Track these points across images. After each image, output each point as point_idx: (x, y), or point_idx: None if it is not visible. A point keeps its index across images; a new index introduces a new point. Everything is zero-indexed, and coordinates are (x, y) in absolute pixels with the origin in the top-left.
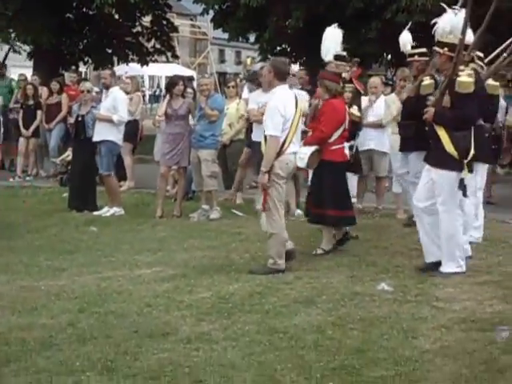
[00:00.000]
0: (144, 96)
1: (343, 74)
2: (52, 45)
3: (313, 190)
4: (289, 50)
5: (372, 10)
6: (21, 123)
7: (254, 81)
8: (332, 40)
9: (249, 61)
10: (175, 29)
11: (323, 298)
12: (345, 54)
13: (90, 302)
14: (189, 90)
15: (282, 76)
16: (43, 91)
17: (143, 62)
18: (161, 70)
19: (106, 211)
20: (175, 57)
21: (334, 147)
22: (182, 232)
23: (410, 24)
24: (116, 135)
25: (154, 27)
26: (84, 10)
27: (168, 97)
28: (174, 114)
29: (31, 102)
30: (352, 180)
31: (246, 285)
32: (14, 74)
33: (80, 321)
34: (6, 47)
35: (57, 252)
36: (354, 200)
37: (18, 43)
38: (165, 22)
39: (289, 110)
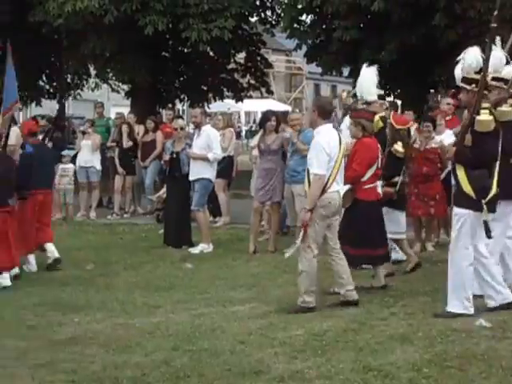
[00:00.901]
0: (240, 132)
1: (383, 113)
2: (148, 83)
3: (342, 228)
4: (383, 82)
5: (466, 41)
6: (117, 161)
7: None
8: (371, 79)
9: (344, 94)
10: (269, 64)
11: (419, 335)
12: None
13: (184, 339)
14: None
15: (326, 115)
16: (139, 129)
17: (238, 98)
18: (257, 105)
19: (196, 248)
20: (270, 92)
21: (366, 186)
22: (276, 268)
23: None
24: (211, 172)
25: (248, 63)
26: (179, 48)
27: (261, 132)
28: (266, 149)
29: (128, 141)
30: (400, 216)
31: (340, 321)
32: (113, 113)
33: (174, 359)
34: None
35: (152, 289)
36: (402, 236)
37: (116, 82)
38: (259, 58)
39: (333, 149)
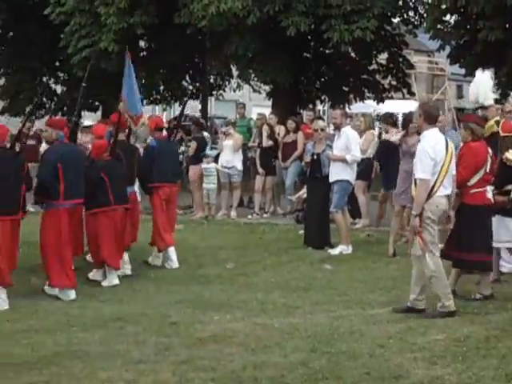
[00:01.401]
0: (381, 133)
1: (498, 117)
2: (290, 84)
3: (452, 233)
4: None
5: None
6: (258, 162)
7: None
8: (487, 84)
9: None
10: (411, 65)
11: None
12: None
13: (322, 341)
14: None
15: (431, 120)
16: (280, 130)
17: (379, 100)
18: (398, 106)
19: (335, 249)
20: (411, 93)
21: (473, 190)
22: None
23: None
24: (350, 174)
25: (390, 64)
26: (321, 49)
27: (403, 133)
28: (408, 150)
29: (268, 142)
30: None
31: (482, 327)
32: (254, 113)
33: (312, 360)
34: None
35: (291, 289)
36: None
37: (257, 83)
38: (401, 59)
39: (439, 153)
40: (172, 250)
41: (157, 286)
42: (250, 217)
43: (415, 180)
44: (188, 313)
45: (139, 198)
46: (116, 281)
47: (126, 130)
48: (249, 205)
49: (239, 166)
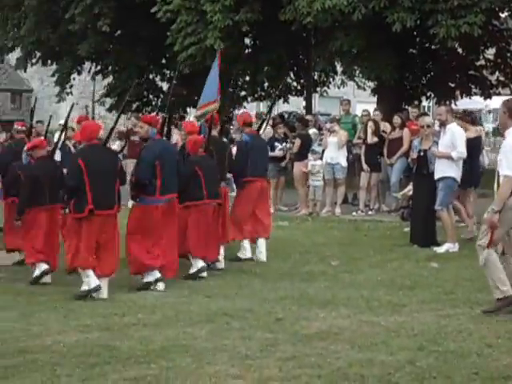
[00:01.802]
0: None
1: None
2: (395, 80)
3: None
4: None
5: None
6: (363, 158)
7: None
8: None
9: None
10: None
11: None
12: None
13: (430, 339)
14: None
15: None
16: (385, 126)
17: (486, 96)
18: None
19: (441, 247)
20: None
21: None
22: None
23: None
24: (455, 171)
25: (497, 60)
26: (427, 44)
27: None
28: None
29: (373, 138)
30: None
31: None
32: (358, 110)
33: (419, 359)
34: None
35: (396, 287)
36: None
37: (362, 79)
38: (509, 54)
39: None
40: (246, 241)
41: (262, 282)
42: (354, 214)
43: (499, 177)
44: (293, 309)
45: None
46: (201, 263)
47: (218, 126)
48: (353, 202)
49: (344, 163)
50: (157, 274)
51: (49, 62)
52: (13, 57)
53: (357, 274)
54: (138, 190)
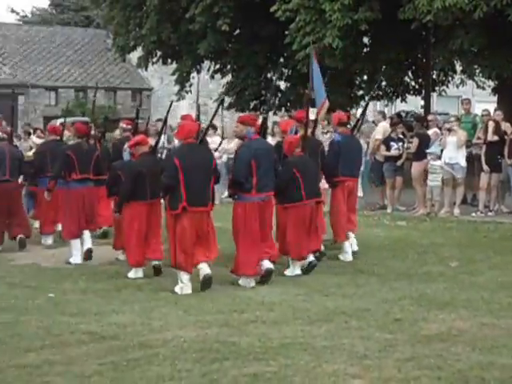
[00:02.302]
0: None
1: None
2: None
3: None
4: None
5: None
6: (483, 158)
7: None
8: None
9: None
10: None
11: None
12: None
13: None
14: None
15: None
16: (506, 126)
17: None
18: None
19: None
20: None
21: None
22: None
23: None
24: None
25: None
26: None
27: None
28: None
29: (493, 137)
30: None
31: None
32: (477, 109)
33: None
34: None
35: None
36: None
37: (481, 79)
38: None
39: None
40: (348, 244)
41: (380, 282)
42: (473, 214)
43: None
44: (412, 310)
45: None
46: (298, 271)
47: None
48: (472, 202)
49: (463, 163)
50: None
51: (169, 60)
52: (134, 56)
53: (477, 276)
54: (235, 187)
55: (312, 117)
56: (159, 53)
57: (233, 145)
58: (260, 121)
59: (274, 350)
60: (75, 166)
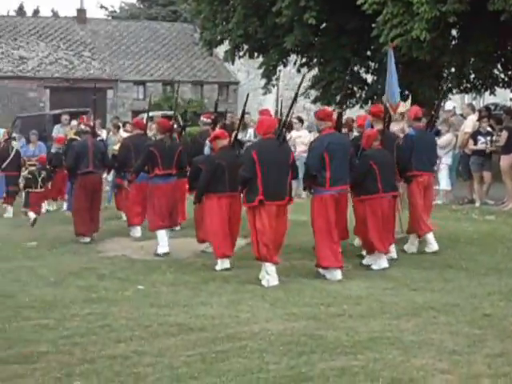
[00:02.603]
0: None
1: None
2: None
3: None
4: None
5: None
6: None
7: None
8: None
9: None
10: None
11: None
12: None
13: None
14: None
15: None
16: None
17: None
18: None
19: None
20: None
21: None
22: None
23: None
24: None
25: None
26: None
27: None
28: None
29: None
30: None
31: None
32: None
33: None
34: None
35: None
36: None
37: None
38: None
39: None
40: (431, 235)
41: (468, 277)
42: None
43: None
44: (501, 305)
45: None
46: (385, 264)
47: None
48: None
49: None
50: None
51: (255, 54)
52: (221, 50)
53: None
54: (308, 180)
55: (402, 110)
56: (246, 46)
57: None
58: (335, 115)
59: (362, 344)
60: (158, 161)
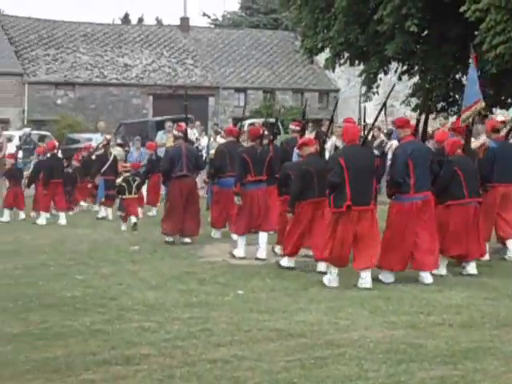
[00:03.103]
0: None
1: None
2: None
3: None
4: None
5: None
6: None
7: None
8: None
9: None
10: None
11: None
12: None
13: None
14: None
15: None
16: None
17: None
18: None
19: None
20: None
21: None
22: None
23: None
24: None
25: None
26: None
27: None
28: None
29: None
30: None
31: None
32: None
33: None
34: None
35: None
36: None
37: None
38: None
39: None
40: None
41: None
42: None
43: None
44: None
45: None
46: (444, 271)
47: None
48: None
49: None
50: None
51: (356, 62)
52: (321, 57)
53: None
54: (394, 188)
55: (502, 118)
56: (347, 54)
57: None
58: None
59: (462, 354)
60: (250, 168)
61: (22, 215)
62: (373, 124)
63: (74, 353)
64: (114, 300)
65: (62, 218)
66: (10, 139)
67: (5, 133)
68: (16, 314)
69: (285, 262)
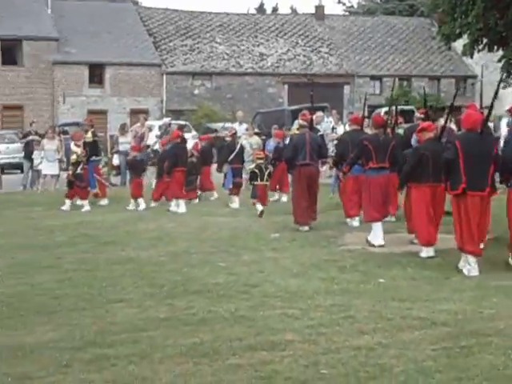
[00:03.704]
0: None
1: None
2: None
3: None
4: None
5: None
6: None
7: None
8: None
9: None
10: None
11: None
12: None
13: None
14: None
15: None
16: None
17: None
18: None
19: None
20: None
21: None
22: None
23: None
24: None
25: None
26: None
27: None
28: None
29: None
30: None
31: None
32: None
33: None
34: None
35: None
36: None
37: None
38: None
39: None
40: None
41: None
42: None
43: None
44: None
45: None
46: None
47: None
48: None
49: None
50: None
51: (495, 47)
52: (459, 44)
53: None
54: (507, 173)
55: None
56: (485, 40)
57: None
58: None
59: None
60: (372, 155)
61: (143, 205)
62: (490, 109)
63: (221, 338)
64: (257, 287)
65: (182, 206)
66: (150, 129)
67: (146, 123)
68: (162, 300)
69: (424, 253)
